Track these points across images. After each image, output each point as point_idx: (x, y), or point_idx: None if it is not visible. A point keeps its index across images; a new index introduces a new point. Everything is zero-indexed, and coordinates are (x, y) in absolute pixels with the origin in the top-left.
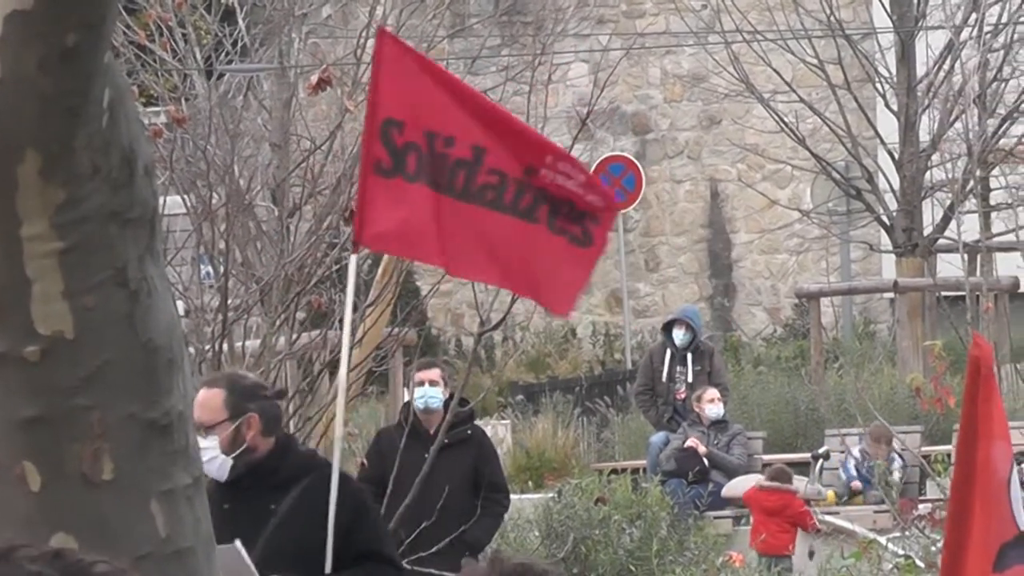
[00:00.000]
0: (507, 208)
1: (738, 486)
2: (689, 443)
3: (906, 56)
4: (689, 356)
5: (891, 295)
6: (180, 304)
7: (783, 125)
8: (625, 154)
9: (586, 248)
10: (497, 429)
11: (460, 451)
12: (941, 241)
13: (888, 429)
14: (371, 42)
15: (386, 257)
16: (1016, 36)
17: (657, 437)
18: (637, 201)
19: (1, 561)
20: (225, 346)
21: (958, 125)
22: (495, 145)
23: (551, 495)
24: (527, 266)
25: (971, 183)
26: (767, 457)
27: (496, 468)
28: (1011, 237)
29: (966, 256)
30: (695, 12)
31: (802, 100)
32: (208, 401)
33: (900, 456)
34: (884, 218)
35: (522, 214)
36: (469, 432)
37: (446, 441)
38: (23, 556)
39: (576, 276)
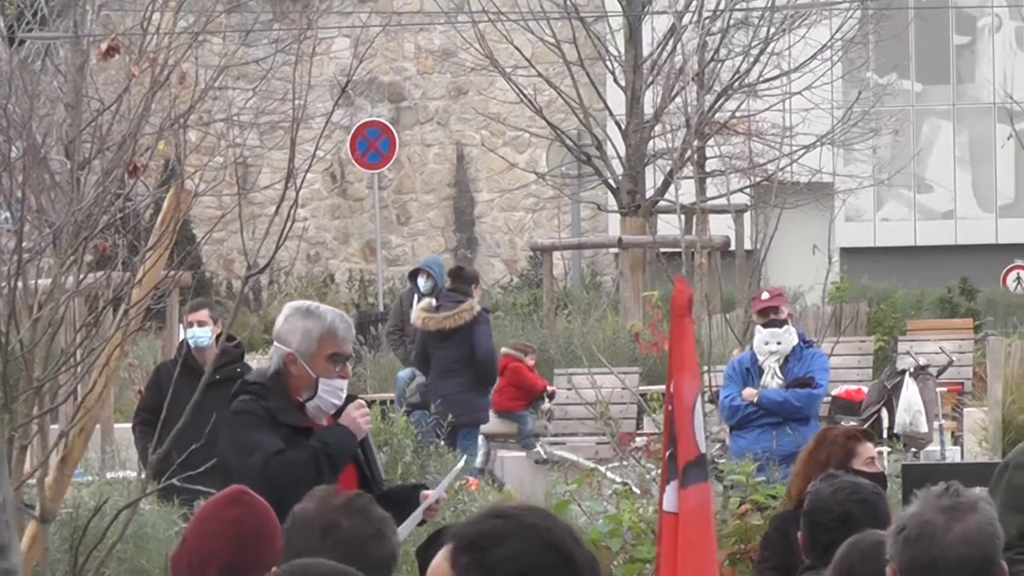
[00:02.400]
0: None
1: None
2: None
3: (633, 37)
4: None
5: (616, 250)
6: None
7: (523, 97)
8: (381, 120)
9: None
10: (261, 363)
11: (230, 386)
12: (661, 203)
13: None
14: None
15: (165, 206)
16: (732, 21)
17: (404, 372)
18: (391, 162)
19: None
20: (20, 284)
21: (678, 100)
22: None
23: None
24: None
25: (689, 152)
26: None
27: None
28: (723, 201)
29: (683, 217)
30: None
31: (540, 75)
32: None
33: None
34: (611, 181)
35: None
36: (239, 370)
37: (217, 377)
38: None
39: None
